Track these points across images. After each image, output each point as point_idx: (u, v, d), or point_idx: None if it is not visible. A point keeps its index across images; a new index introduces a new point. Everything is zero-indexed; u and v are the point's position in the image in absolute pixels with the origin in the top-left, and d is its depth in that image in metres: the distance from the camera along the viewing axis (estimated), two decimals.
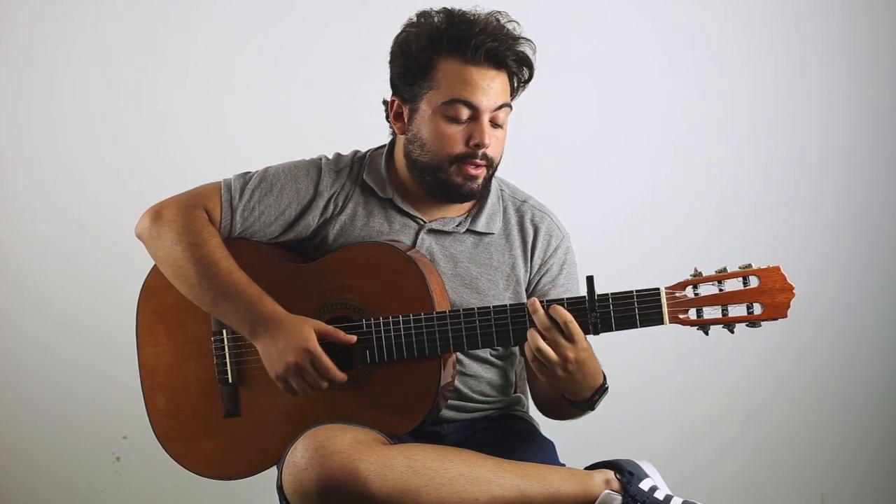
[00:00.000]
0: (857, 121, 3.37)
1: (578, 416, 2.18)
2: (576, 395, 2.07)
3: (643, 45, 3.36)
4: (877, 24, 3.37)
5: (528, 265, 2.29)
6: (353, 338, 2.12)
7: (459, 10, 2.16)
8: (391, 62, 2.21)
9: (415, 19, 2.19)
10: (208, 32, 3.28)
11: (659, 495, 2.04)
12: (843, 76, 3.37)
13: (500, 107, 2.14)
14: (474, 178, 2.17)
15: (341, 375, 2.10)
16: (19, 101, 3.27)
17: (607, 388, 2.09)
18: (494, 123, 2.15)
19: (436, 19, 2.15)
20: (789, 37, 3.37)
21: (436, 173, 2.17)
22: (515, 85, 2.19)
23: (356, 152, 2.32)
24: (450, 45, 2.11)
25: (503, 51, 2.12)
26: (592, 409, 2.12)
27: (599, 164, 3.36)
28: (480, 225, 2.26)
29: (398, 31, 2.21)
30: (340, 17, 3.29)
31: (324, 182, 2.25)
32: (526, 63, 2.17)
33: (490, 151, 2.15)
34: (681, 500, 2.03)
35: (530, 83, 2.21)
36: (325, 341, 2.11)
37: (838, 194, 3.38)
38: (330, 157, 2.30)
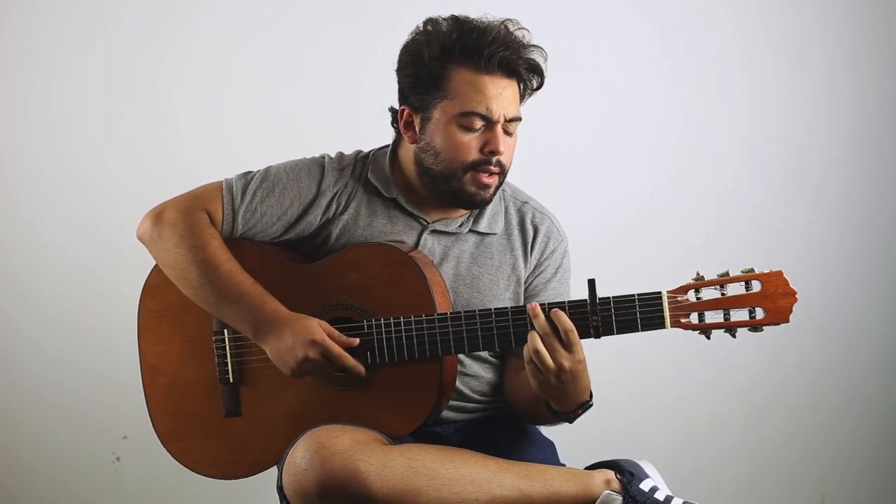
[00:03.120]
0: (857, 121, 3.37)
1: (555, 424, 2.18)
2: (560, 404, 2.06)
3: (643, 46, 3.35)
4: (877, 23, 3.37)
5: (527, 264, 2.29)
6: (356, 340, 2.12)
7: (467, 18, 2.14)
8: (400, 71, 2.19)
9: (422, 27, 2.17)
10: (209, 32, 3.27)
11: (659, 496, 2.04)
12: (843, 76, 3.37)
13: (513, 118, 2.14)
14: (487, 186, 2.17)
15: (354, 362, 2.11)
16: (19, 101, 3.26)
17: (591, 404, 2.09)
18: (506, 131, 2.15)
19: (444, 27, 2.13)
20: (789, 37, 3.37)
21: (449, 182, 2.17)
22: (523, 90, 2.18)
23: (359, 152, 2.31)
24: (462, 54, 2.10)
25: (515, 59, 2.11)
26: (571, 422, 2.11)
27: (599, 165, 3.36)
28: (483, 225, 2.27)
29: (404, 37, 2.20)
30: (341, 17, 3.29)
31: (326, 181, 2.24)
32: (537, 71, 2.16)
33: (503, 158, 2.15)
34: (681, 500, 2.03)
35: (540, 90, 2.20)
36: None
37: (838, 195, 3.37)
38: (332, 155, 2.30)
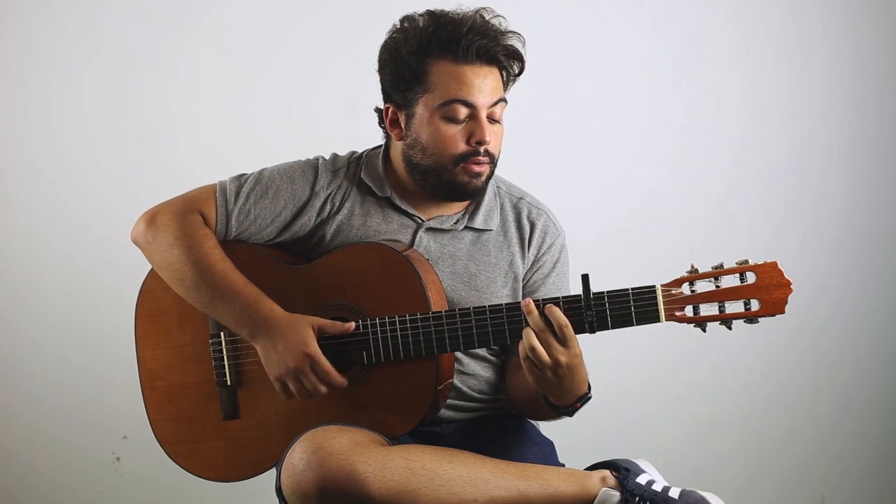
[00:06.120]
0: (857, 121, 3.37)
1: (555, 419, 2.18)
2: (559, 399, 2.06)
3: (643, 45, 3.36)
4: (877, 23, 3.36)
5: (525, 260, 2.29)
6: (352, 325, 2.11)
7: (442, 11, 2.16)
8: (381, 70, 2.21)
9: (399, 25, 2.19)
10: (207, 34, 3.28)
11: (656, 487, 2.04)
12: (843, 76, 3.37)
13: (496, 102, 2.15)
14: (479, 174, 2.17)
15: (341, 380, 2.11)
16: (18, 101, 3.26)
17: (590, 396, 2.09)
18: (492, 119, 2.16)
19: (421, 23, 2.15)
20: (789, 37, 3.37)
21: (440, 175, 2.17)
22: (506, 78, 2.19)
23: (353, 152, 2.32)
24: (440, 47, 2.12)
25: (493, 47, 2.12)
26: (571, 415, 2.11)
27: (599, 164, 3.36)
28: (478, 221, 2.27)
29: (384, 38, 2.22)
30: (339, 17, 3.29)
31: (320, 182, 2.25)
32: (516, 56, 2.17)
33: (491, 147, 2.16)
34: (678, 489, 2.03)
35: (522, 76, 2.21)
36: (324, 342, 2.12)
37: (838, 194, 3.37)
38: (327, 157, 2.30)
